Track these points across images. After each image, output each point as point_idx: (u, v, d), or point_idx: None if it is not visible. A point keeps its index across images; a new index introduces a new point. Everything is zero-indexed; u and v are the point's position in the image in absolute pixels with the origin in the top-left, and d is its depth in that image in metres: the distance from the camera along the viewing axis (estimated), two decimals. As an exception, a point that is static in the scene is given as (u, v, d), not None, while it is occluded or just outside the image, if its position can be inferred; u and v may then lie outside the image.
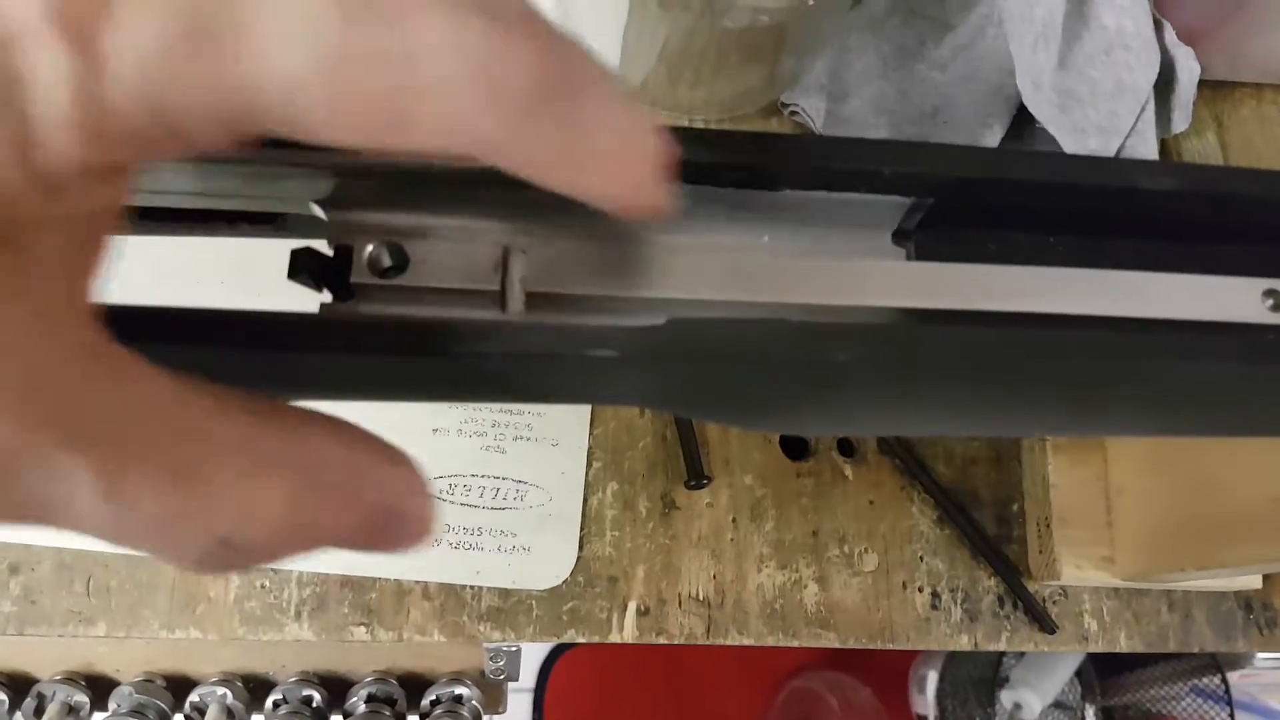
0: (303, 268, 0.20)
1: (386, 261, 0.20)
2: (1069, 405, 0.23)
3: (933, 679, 1.05)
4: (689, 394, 0.21)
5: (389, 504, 0.14)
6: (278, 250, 0.20)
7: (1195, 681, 0.94)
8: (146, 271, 0.36)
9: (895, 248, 0.23)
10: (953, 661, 1.05)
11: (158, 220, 0.21)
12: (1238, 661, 0.92)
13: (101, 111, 0.11)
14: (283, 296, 0.20)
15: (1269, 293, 0.22)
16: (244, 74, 0.11)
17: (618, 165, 0.13)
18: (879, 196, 0.21)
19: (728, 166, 0.20)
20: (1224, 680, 0.90)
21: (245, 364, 0.18)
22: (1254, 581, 0.39)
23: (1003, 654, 0.97)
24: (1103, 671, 1.05)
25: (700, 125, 0.45)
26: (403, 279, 0.20)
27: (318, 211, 0.20)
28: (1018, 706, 0.95)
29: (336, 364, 0.18)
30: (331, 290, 0.20)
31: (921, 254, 0.23)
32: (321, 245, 0.20)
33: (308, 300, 0.20)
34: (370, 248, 0.20)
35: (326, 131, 0.12)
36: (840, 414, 0.24)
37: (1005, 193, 0.21)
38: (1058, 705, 1.02)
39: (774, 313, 0.21)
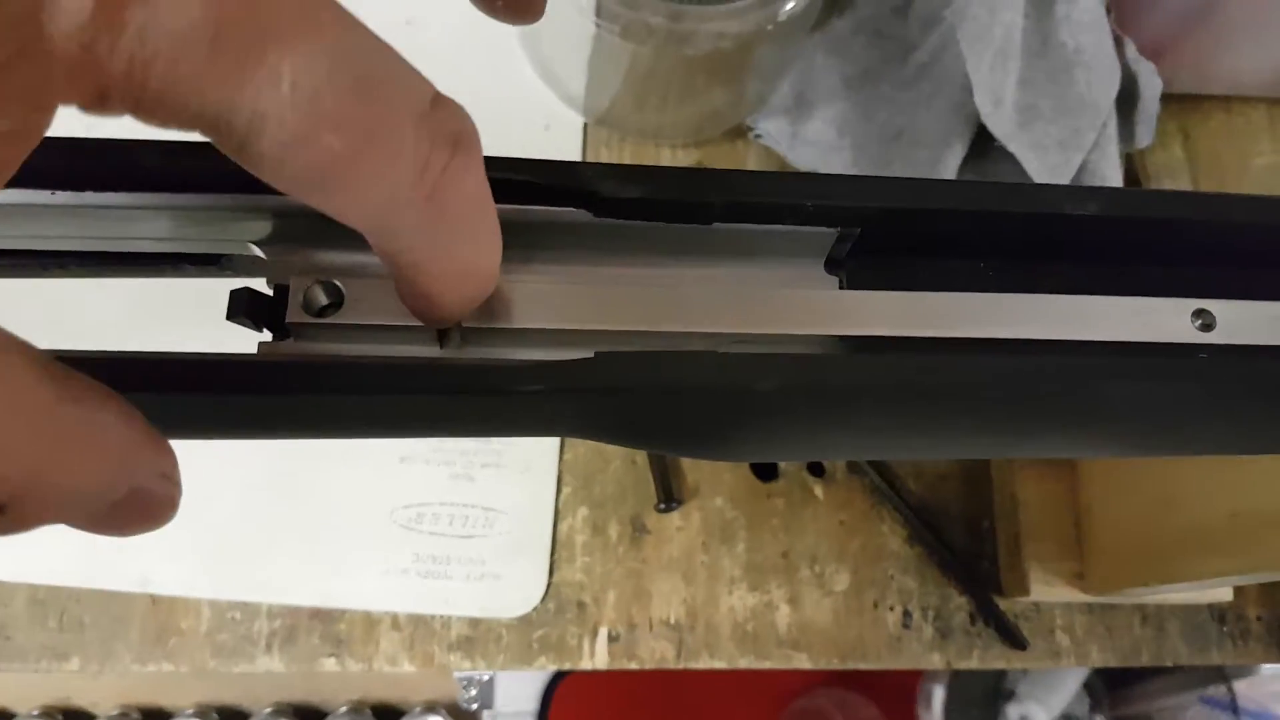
0: (240, 308, 0.20)
1: (323, 300, 0.20)
2: (1001, 428, 0.23)
3: (939, 694, 1.05)
4: (620, 424, 0.21)
5: (139, 483, 0.15)
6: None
7: (1203, 691, 0.93)
8: (118, 311, 0.36)
9: (828, 276, 0.23)
10: (959, 676, 1.04)
11: (104, 264, 0.21)
12: (1244, 671, 0.92)
13: (93, 62, 0.11)
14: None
15: (1198, 313, 0.22)
16: (232, 94, 0.12)
17: (471, 286, 0.17)
18: (807, 228, 0.22)
19: (658, 202, 0.21)
20: (1230, 690, 0.90)
21: (188, 406, 0.18)
22: (1225, 594, 0.39)
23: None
24: (1111, 683, 1.05)
25: (667, 148, 0.46)
26: (339, 317, 0.20)
27: (257, 251, 0.21)
28: (1024, 720, 0.95)
29: (275, 403, 0.19)
30: (270, 330, 0.21)
31: (854, 282, 0.23)
32: (261, 285, 0.21)
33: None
34: (307, 286, 0.20)
35: (269, 170, 0.13)
36: (773, 441, 0.24)
37: (932, 222, 0.22)
38: (1066, 718, 1.02)
39: (706, 343, 0.21)
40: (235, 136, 0.12)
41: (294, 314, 0.20)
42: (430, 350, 0.20)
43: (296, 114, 0.12)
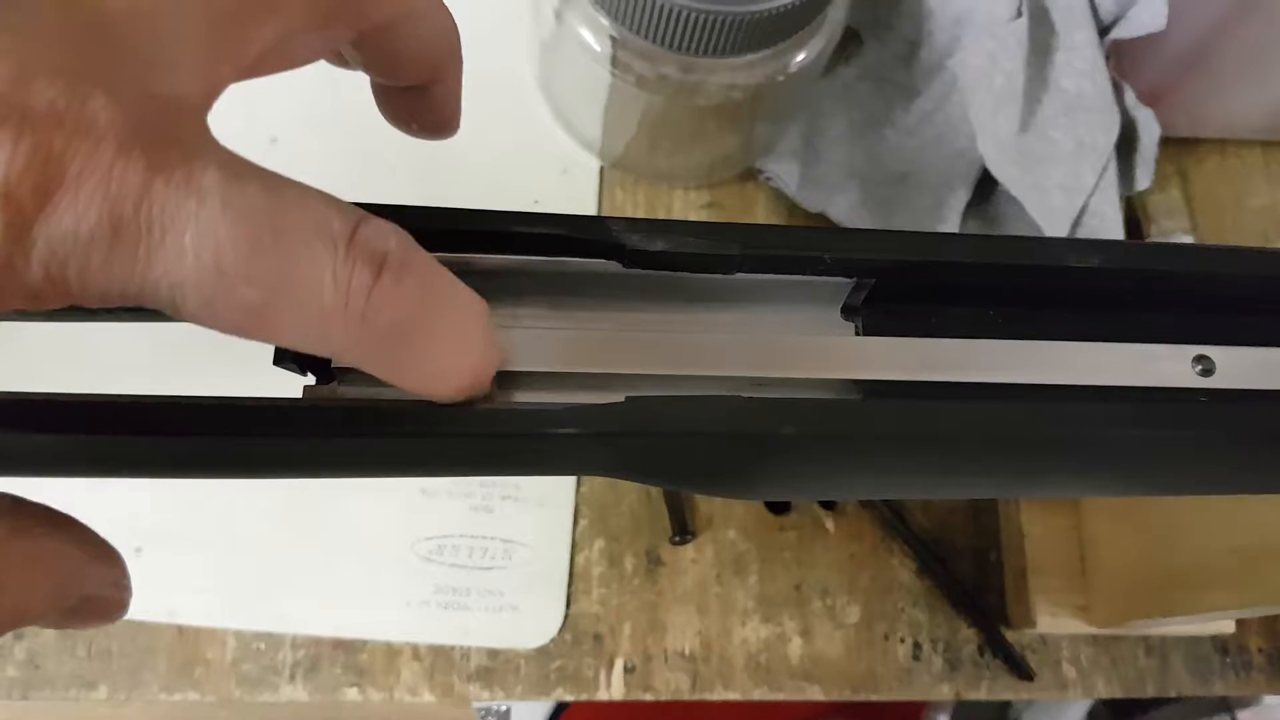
0: (287, 354, 0.21)
1: None
2: (1010, 470, 0.24)
3: (945, 720, 1.05)
4: (648, 465, 0.22)
5: (90, 592, 0.17)
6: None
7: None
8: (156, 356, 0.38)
9: (845, 323, 0.24)
10: (964, 703, 1.05)
11: (143, 309, 0.22)
12: (1247, 701, 0.92)
13: (13, 276, 0.12)
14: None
15: (1198, 359, 0.23)
16: (144, 274, 0.13)
17: (444, 386, 0.17)
18: (825, 278, 0.23)
19: (683, 254, 0.22)
20: (1233, 718, 0.90)
21: (238, 447, 0.20)
22: (1227, 626, 0.40)
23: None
24: (1116, 711, 1.05)
25: (680, 190, 0.47)
26: (383, 362, 0.21)
27: None
28: (1029, 748, 0.95)
29: (320, 445, 0.20)
30: (315, 374, 0.22)
31: (869, 329, 0.24)
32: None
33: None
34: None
35: (200, 322, 0.14)
36: (792, 482, 0.25)
37: (942, 273, 0.23)
38: (1071, 747, 1.01)
39: (727, 388, 0.22)
40: (164, 305, 0.13)
41: (340, 359, 0.21)
42: None
43: (206, 278, 0.13)
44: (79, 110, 0.12)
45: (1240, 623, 0.42)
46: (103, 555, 0.17)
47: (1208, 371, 0.23)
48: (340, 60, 0.21)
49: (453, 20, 0.21)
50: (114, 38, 0.14)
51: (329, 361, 0.21)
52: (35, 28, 0.13)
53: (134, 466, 0.22)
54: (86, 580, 0.17)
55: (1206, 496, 0.34)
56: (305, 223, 0.14)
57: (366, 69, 0.21)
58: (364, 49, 0.19)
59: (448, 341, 0.16)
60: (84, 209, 0.12)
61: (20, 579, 0.15)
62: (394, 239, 0.15)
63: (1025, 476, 0.25)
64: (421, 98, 0.22)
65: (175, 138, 0.14)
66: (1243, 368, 0.23)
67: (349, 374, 0.22)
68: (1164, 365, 0.23)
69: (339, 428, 0.19)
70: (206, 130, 0.15)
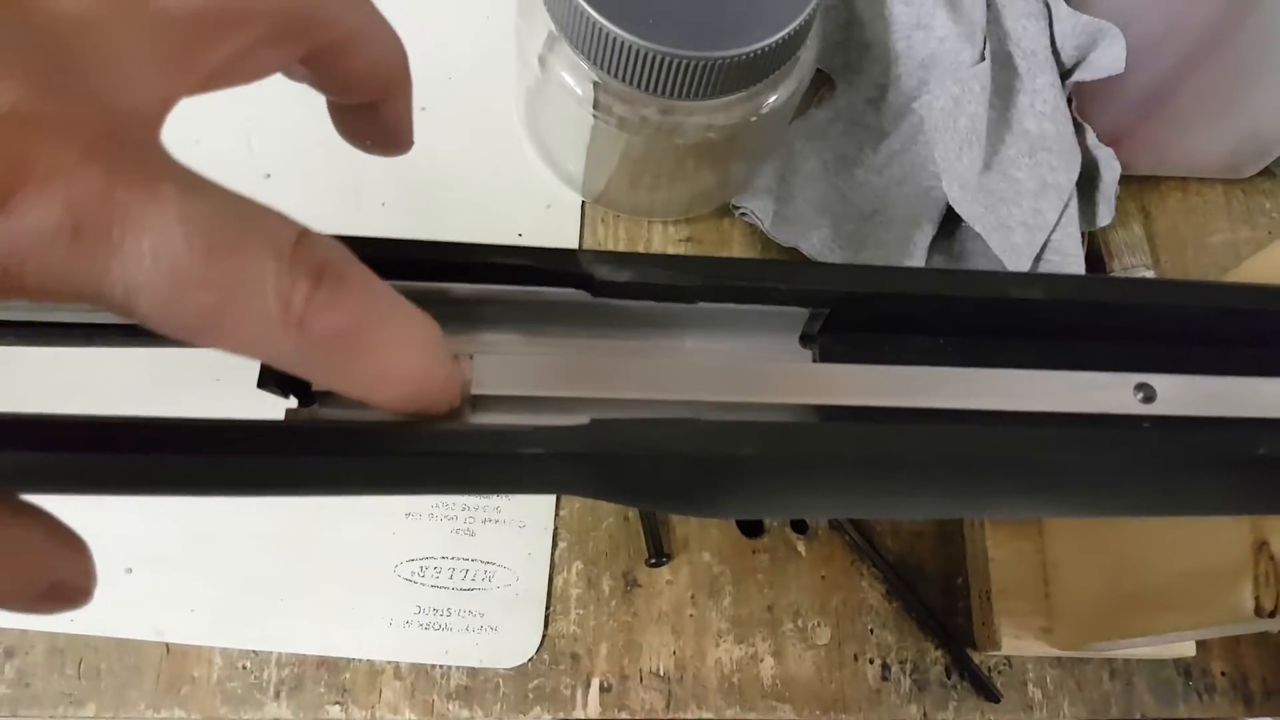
0: (271, 378, 0.22)
1: None
2: (959, 491, 0.25)
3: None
4: (613, 483, 0.23)
5: (59, 578, 0.18)
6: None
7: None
8: (139, 377, 0.39)
9: (803, 350, 0.26)
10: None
11: (134, 336, 0.23)
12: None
13: None
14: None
15: (1140, 386, 0.25)
16: (101, 275, 0.14)
17: (388, 393, 0.18)
18: (782, 307, 0.24)
19: (648, 284, 0.23)
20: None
21: (222, 466, 0.21)
22: (1188, 649, 0.41)
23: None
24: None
25: (659, 225, 0.49)
26: (362, 387, 0.22)
27: None
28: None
29: (300, 464, 0.21)
30: (296, 397, 0.23)
31: (826, 356, 0.25)
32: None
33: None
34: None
35: (154, 325, 0.15)
36: (753, 500, 0.26)
37: (893, 303, 0.24)
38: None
39: (690, 411, 0.23)
40: (117, 305, 0.14)
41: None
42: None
43: (162, 281, 0.14)
44: (41, 114, 0.13)
45: (1202, 646, 0.43)
46: (70, 543, 0.18)
47: (1149, 399, 0.24)
48: (296, 76, 0.21)
49: (400, 43, 0.22)
50: (70, 49, 0.14)
51: (309, 385, 0.23)
52: None
53: (122, 484, 0.23)
54: (55, 567, 0.18)
55: (1159, 522, 0.35)
56: (254, 234, 0.15)
57: (316, 86, 0.22)
58: (313, 67, 0.20)
59: (386, 349, 0.17)
60: (46, 209, 0.13)
61: None
62: (333, 252, 0.16)
63: (974, 497, 0.27)
64: (372, 116, 0.23)
65: (133, 147, 0.14)
66: (1183, 395, 0.25)
67: (329, 398, 0.23)
68: (1107, 392, 0.25)
69: (317, 447, 0.20)
70: (160, 142, 0.16)
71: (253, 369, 0.23)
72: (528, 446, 0.20)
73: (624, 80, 0.39)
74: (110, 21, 0.15)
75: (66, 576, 0.18)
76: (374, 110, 0.22)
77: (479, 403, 0.23)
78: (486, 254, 0.23)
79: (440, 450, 0.21)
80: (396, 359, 0.18)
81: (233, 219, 0.15)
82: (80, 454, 0.19)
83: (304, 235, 0.16)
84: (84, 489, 0.20)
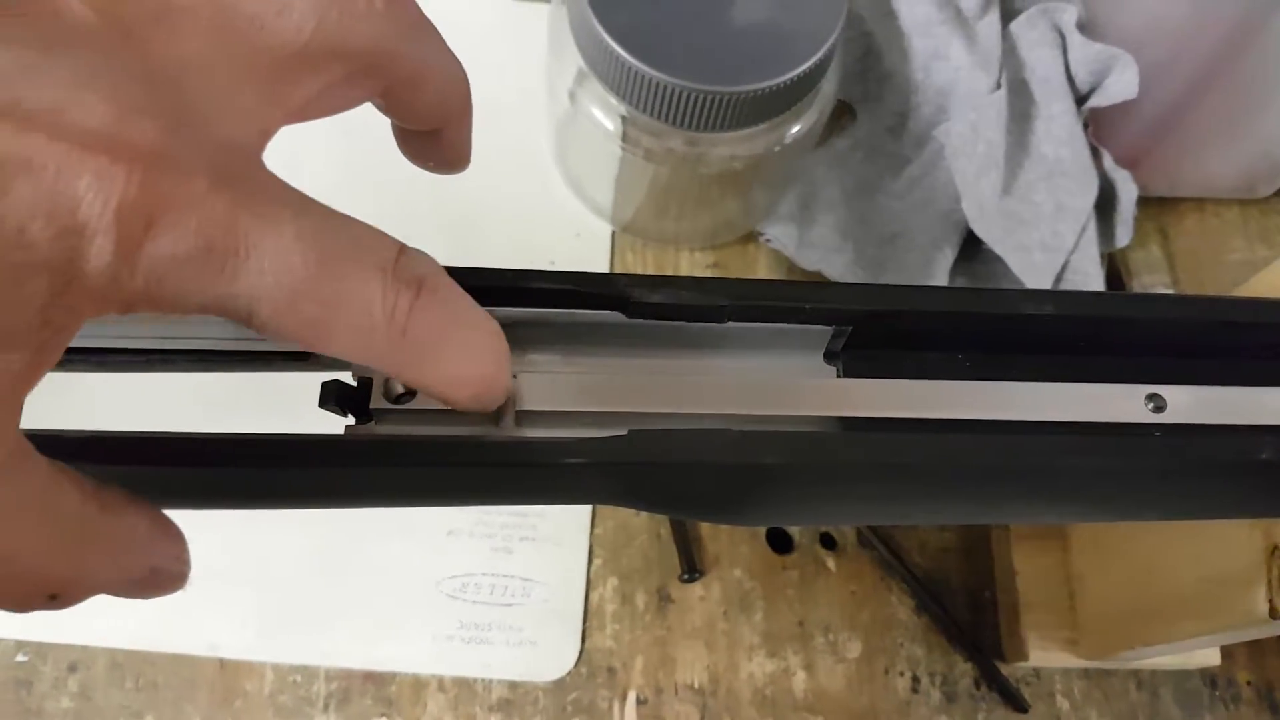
0: (331, 397, 0.24)
1: (400, 389, 0.24)
2: (976, 498, 0.26)
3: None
4: (651, 492, 0.25)
5: (157, 565, 0.19)
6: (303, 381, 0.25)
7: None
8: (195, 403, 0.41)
9: (827, 366, 0.27)
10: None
11: (205, 361, 0.25)
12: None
13: (118, 287, 0.14)
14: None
15: (1150, 396, 0.26)
16: (227, 289, 0.15)
17: (462, 391, 0.20)
18: (807, 326, 0.26)
19: (680, 306, 0.25)
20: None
21: (288, 478, 0.22)
22: (1213, 658, 0.42)
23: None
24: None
25: (685, 252, 0.51)
26: (414, 403, 0.24)
27: None
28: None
29: (359, 477, 0.23)
30: (355, 415, 0.24)
31: (848, 371, 0.27)
32: (346, 377, 0.24)
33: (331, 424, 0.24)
34: (387, 378, 0.24)
35: (270, 334, 0.16)
36: (780, 508, 0.27)
37: (913, 321, 0.26)
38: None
39: (721, 424, 0.25)
40: (238, 315, 0.15)
41: (376, 400, 0.24)
42: (488, 430, 0.24)
43: (280, 294, 0.15)
44: (173, 149, 0.14)
45: (1227, 656, 0.44)
46: (169, 532, 0.19)
47: (1159, 408, 0.25)
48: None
49: (464, 74, 0.23)
50: (187, 88, 0.16)
51: (367, 403, 0.24)
52: (122, 75, 0.15)
53: (207, 497, 0.24)
54: (154, 554, 0.19)
55: (1179, 531, 0.36)
56: (361, 250, 0.17)
57: (388, 114, 0.23)
58: (389, 99, 0.22)
59: (467, 353, 0.19)
60: (182, 234, 0.14)
61: (104, 551, 0.18)
62: (428, 266, 0.18)
63: (992, 503, 0.28)
64: (436, 140, 0.24)
65: (248, 175, 0.16)
66: (1192, 404, 0.26)
67: (385, 414, 0.24)
68: (1119, 403, 0.26)
69: (377, 459, 0.22)
70: (266, 168, 0.17)
71: (300, 394, 0.24)
72: (572, 457, 0.22)
73: (651, 114, 0.40)
74: (219, 62, 0.16)
75: (164, 564, 0.19)
76: (438, 135, 0.24)
77: (523, 417, 0.24)
78: (530, 279, 0.24)
79: (491, 461, 0.22)
80: (474, 362, 0.19)
81: (341, 236, 0.16)
82: (176, 467, 0.20)
83: (403, 250, 0.17)
84: (174, 503, 0.21)
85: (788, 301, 0.25)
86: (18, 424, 0.15)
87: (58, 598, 0.17)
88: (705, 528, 0.45)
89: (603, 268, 0.50)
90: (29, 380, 0.15)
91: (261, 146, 0.18)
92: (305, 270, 0.15)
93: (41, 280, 0.13)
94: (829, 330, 0.26)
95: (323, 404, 0.24)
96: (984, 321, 0.26)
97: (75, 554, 0.17)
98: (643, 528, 0.44)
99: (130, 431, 0.21)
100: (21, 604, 0.17)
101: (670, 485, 0.24)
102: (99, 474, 0.20)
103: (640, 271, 0.50)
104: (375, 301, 0.16)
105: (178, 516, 0.20)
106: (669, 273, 0.50)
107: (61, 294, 0.14)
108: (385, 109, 0.23)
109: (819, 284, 0.27)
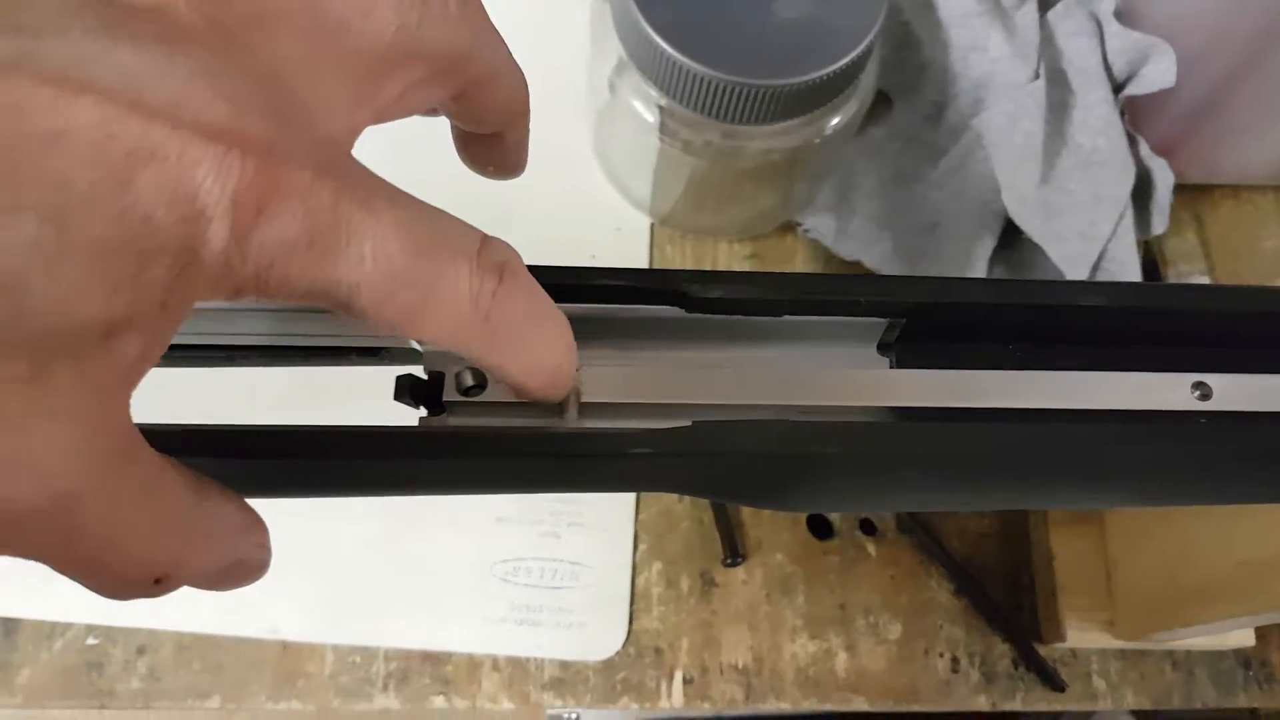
0: (405, 390, 0.25)
1: (470, 382, 0.25)
2: (1027, 484, 0.27)
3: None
4: (712, 481, 0.25)
5: (241, 556, 0.20)
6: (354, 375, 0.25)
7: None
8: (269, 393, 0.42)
9: (880, 357, 0.28)
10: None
11: (281, 355, 0.26)
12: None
13: (230, 271, 0.15)
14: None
15: (1196, 385, 0.26)
16: (330, 274, 0.16)
17: (537, 378, 0.21)
18: (861, 319, 0.26)
19: (738, 300, 0.26)
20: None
21: (363, 470, 0.23)
22: (1248, 639, 0.43)
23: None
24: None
25: (724, 243, 0.51)
26: (483, 396, 0.25)
27: (416, 345, 0.26)
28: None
29: (434, 467, 0.24)
30: (427, 407, 0.25)
31: (901, 362, 0.27)
32: (418, 371, 0.25)
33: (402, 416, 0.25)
34: (457, 372, 0.25)
35: (367, 319, 0.17)
36: (829, 495, 0.28)
37: (965, 312, 0.26)
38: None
39: (778, 415, 0.26)
40: (339, 302, 0.16)
41: (448, 394, 0.25)
42: (554, 421, 0.25)
43: (379, 280, 0.16)
44: (281, 142, 0.15)
45: (1262, 637, 0.44)
46: (255, 522, 0.20)
47: (1205, 396, 0.26)
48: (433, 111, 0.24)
49: (524, 78, 0.24)
50: (290, 85, 0.17)
51: (440, 396, 0.25)
52: (232, 72, 0.15)
53: (282, 487, 0.26)
54: (243, 542, 0.20)
55: (1216, 515, 0.37)
56: (450, 238, 0.17)
57: (457, 118, 0.24)
58: (461, 101, 0.23)
59: (543, 340, 0.20)
60: (290, 220, 0.15)
61: (202, 539, 0.19)
62: (509, 254, 0.18)
63: (1041, 489, 0.29)
64: (496, 144, 0.25)
65: (345, 167, 0.16)
66: (1238, 392, 0.26)
67: (456, 407, 0.25)
68: (1165, 391, 0.26)
69: (451, 450, 0.23)
70: (359, 162, 0.17)
71: (371, 387, 0.25)
72: (638, 447, 0.23)
73: (690, 107, 0.41)
74: (317, 61, 0.17)
75: (251, 553, 0.20)
76: (498, 139, 0.25)
77: (587, 409, 0.25)
78: (592, 276, 0.25)
79: (560, 452, 0.23)
80: (549, 351, 0.20)
81: (433, 225, 0.17)
82: (265, 459, 0.21)
83: (486, 239, 0.18)
84: (256, 493, 0.22)
85: (843, 295, 0.25)
86: (130, 413, 0.16)
87: (160, 583, 0.18)
88: (747, 514, 0.46)
89: (642, 261, 0.51)
90: (141, 368, 0.15)
91: (351, 143, 0.19)
92: (403, 258, 0.16)
93: (164, 263, 0.14)
94: (883, 323, 0.27)
95: (398, 397, 0.25)
96: (1034, 313, 0.26)
97: (177, 542, 0.18)
98: (685, 514, 0.45)
99: (222, 425, 0.22)
100: (124, 591, 0.18)
101: (729, 474, 0.25)
102: (193, 466, 0.21)
103: (679, 264, 0.51)
104: (463, 287, 0.17)
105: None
106: (708, 264, 0.51)
107: (179, 277, 0.14)
108: (455, 112, 0.24)
109: (873, 277, 0.27)
